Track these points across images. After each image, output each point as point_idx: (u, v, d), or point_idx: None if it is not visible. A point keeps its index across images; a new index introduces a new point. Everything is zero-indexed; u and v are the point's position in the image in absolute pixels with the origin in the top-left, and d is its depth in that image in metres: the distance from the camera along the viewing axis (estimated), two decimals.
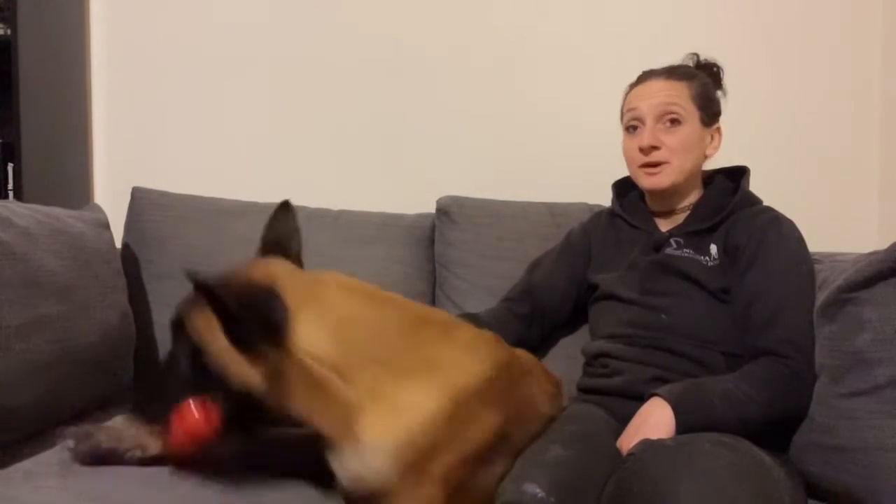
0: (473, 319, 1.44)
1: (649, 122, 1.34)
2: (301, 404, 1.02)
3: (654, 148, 1.33)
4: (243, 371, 1.00)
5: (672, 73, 1.38)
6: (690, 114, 1.34)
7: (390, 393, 1.01)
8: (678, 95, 1.34)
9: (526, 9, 2.00)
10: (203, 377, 1.02)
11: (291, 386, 1.01)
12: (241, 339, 0.99)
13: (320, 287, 1.09)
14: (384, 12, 2.00)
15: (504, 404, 1.08)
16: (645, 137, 1.34)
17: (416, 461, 0.98)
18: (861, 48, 2.00)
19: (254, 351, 0.99)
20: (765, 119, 2.00)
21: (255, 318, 0.99)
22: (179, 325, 1.06)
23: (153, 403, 1.09)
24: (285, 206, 1.18)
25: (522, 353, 1.31)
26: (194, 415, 1.00)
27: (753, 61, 1.99)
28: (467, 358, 1.09)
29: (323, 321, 1.04)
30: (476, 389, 1.05)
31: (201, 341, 1.03)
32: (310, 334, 1.01)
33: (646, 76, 1.40)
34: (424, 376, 1.04)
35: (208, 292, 0.97)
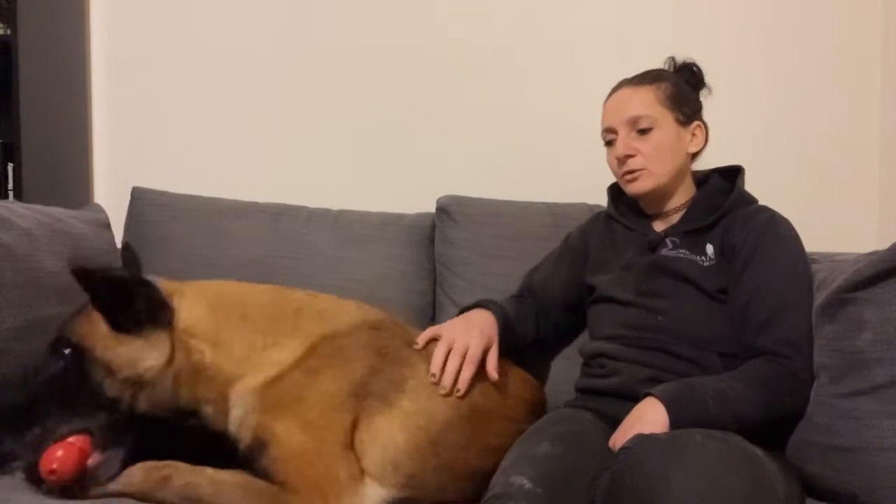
0: (493, 304, 1.43)
1: (622, 133, 1.37)
2: (186, 385, 1.12)
3: (630, 156, 1.36)
4: (131, 355, 1.08)
5: (640, 79, 1.41)
6: (661, 116, 1.36)
7: (260, 357, 1.16)
8: (644, 103, 1.36)
9: (526, 9, 2.00)
10: (83, 384, 1.07)
11: (176, 364, 1.11)
12: (125, 321, 1.09)
13: (196, 282, 1.23)
14: (384, 13, 2.00)
15: (360, 354, 1.19)
16: (619, 148, 1.37)
17: (274, 402, 1.12)
18: (861, 48, 2.00)
19: (139, 334, 1.09)
20: (764, 118, 2.00)
21: (141, 296, 1.10)
22: (60, 343, 1.10)
23: (27, 433, 1.04)
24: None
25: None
26: (65, 456, 1.01)
27: (752, 61, 1.99)
28: (322, 321, 1.23)
29: (200, 296, 1.18)
30: (326, 341, 1.19)
31: (86, 340, 1.08)
32: (189, 310, 1.15)
33: (615, 87, 1.44)
34: (287, 338, 1.19)
35: (86, 278, 1.06)
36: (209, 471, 1.05)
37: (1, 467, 1.03)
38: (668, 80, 1.39)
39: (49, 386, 1.08)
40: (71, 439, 1.03)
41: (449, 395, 1.20)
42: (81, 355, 1.08)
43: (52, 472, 0.99)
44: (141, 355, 1.09)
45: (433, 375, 1.22)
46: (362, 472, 1.11)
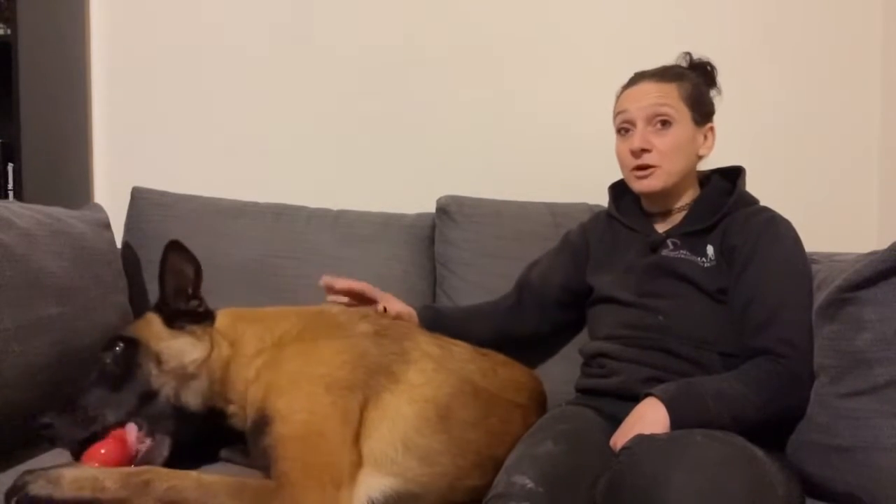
0: (432, 311, 1.49)
1: (640, 124, 1.35)
2: (218, 381, 1.21)
3: (645, 150, 1.34)
4: (180, 347, 1.20)
5: (662, 74, 1.38)
6: (681, 114, 1.35)
7: (266, 345, 1.24)
8: (668, 96, 1.34)
9: (526, 9, 2.00)
10: (131, 375, 1.16)
11: (212, 360, 1.21)
12: (175, 316, 1.24)
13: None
14: (384, 13, 2.00)
15: (360, 329, 1.25)
16: (636, 140, 1.34)
17: (275, 373, 1.17)
18: (861, 48, 2.00)
19: (187, 332, 1.23)
20: (764, 119, 2.00)
21: (199, 297, 1.27)
22: (115, 340, 1.21)
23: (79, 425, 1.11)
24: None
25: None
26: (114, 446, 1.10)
27: (753, 61, 1.99)
28: (320, 310, 1.33)
29: (227, 311, 1.31)
30: (322, 316, 1.28)
31: (141, 333, 1.22)
32: (221, 317, 1.29)
33: (636, 78, 1.41)
34: (290, 326, 1.27)
35: (181, 250, 1.27)
36: (194, 473, 1.02)
37: (40, 441, 1.13)
38: (689, 80, 1.38)
39: (98, 375, 1.17)
40: (114, 433, 1.11)
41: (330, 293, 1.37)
42: (135, 348, 1.19)
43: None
44: (188, 348, 1.21)
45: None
46: (361, 460, 1.08)
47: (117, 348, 1.19)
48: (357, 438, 1.09)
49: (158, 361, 1.18)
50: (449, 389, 1.19)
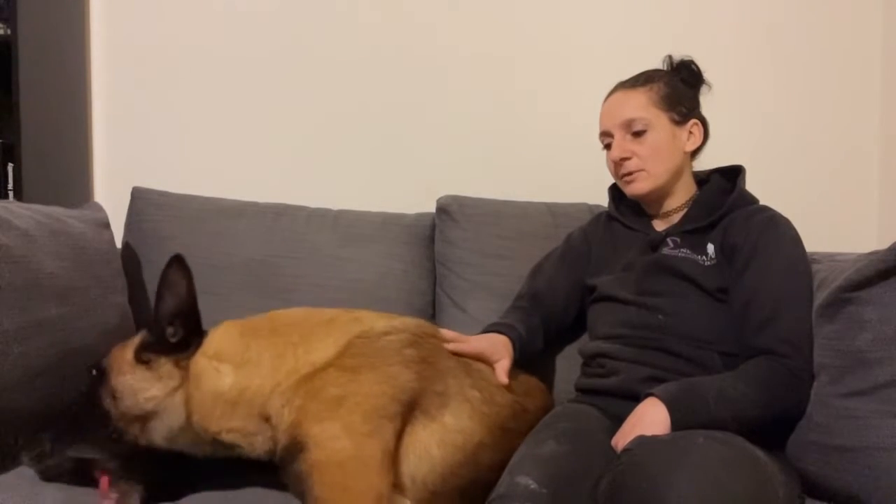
0: (511, 330, 1.40)
1: (617, 136, 1.39)
2: (198, 413, 1.09)
3: (625, 159, 1.38)
4: (134, 384, 1.08)
5: (633, 82, 1.42)
6: (655, 118, 1.37)
7: (292, 364, 1.12)
8: (637, 106, 1.37)
9: (527, 8, 2.00)
10: (95, 408, 1.08)
11: (187, 393, 1.09)
12: (149, 344, 1.11)
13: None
14: (384, 12, 2.00)
15: (402, 358, 1.15)
16: (614, 151, 1.39)
17: (309, 400, 1.07)
18: (861, 48, 2.00)
19: (148, 365, 1.10)
20: (765, 119, 2.00)
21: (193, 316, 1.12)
22: (94, 364, 1.13)
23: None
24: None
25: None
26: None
27: (753, 61, 1.99)
28: (357, 324, 1.20)
29: (233, 324, 1.18)
30: (363, 340, 1.15)
31: (109, 362, 1.11)
32: (221, 335, 1.15)
33: (610, 91, 1.45)
34: (320, 342, 1.15)
35: (182, 267, 1.10)
36: None
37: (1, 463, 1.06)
38: (661, 81, 1.40)
39: (72, 402, 1.10)
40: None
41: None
42: (101, 379, 1.10)
43: None
44: (143, 385, 1.09)
45: None
46: (402, 484, 1.06)
47: (93, 373, 1.11)
48: (393, 464, 1.06)
49: (114, 397, 1.08)
50: (479, 438, 1.14)
